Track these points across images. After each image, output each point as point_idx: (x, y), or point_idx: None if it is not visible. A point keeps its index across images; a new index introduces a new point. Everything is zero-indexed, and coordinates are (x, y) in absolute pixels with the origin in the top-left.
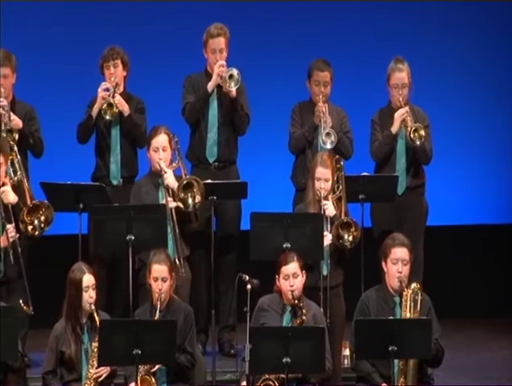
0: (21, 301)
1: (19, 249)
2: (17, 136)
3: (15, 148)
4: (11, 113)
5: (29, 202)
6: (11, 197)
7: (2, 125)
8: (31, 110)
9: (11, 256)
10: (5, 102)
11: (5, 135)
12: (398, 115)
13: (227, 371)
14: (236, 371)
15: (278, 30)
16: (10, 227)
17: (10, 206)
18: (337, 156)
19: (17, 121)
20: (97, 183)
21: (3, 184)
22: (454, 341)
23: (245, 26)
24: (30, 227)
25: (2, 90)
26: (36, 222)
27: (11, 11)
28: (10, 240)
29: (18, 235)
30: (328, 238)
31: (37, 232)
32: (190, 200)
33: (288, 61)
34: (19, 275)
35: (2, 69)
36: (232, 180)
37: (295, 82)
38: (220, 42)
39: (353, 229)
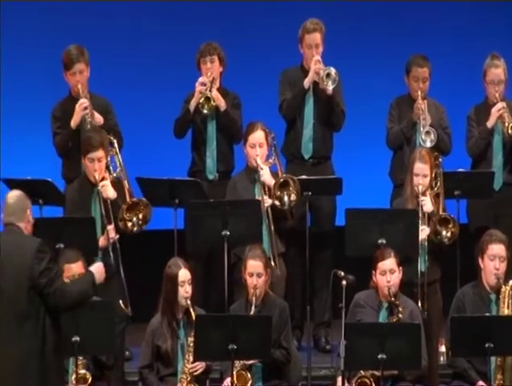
0: (120, 302)
1: (118, 249)
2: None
3: (115, 144)
4: (94, 112)
5: (128, 198)
6: (110, 192)
7: (87, 125)
8: (107, 104)
9: (111, 255)
10: (87, 102)
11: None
12: (495, 110)
13: (322, 366)
14: (331, 367)
15: (375, 23)
16: (111, 228)
17: (109, 202)
18: (436, 152)
19: (99, 118)
20: (193, 179)
21: (103, 179)
22: None
23: (341, 20)
24: (129, 224)
25: (80, 86)
26: (135, 219)
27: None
28: (110, 241)
29: (117, 236)
30: (424, 232)
31: (135, 229)
32: (286, 198)
33: (385, 55)
34: (118, 273)
35: (77, 65)
36: (327, 176)
37: (392, 76)
38: (316, 37)
39: (451, 225)
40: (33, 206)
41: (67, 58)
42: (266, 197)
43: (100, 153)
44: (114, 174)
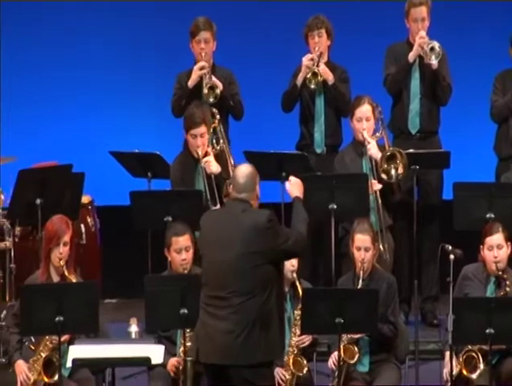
0: None
1: None
2: (218, 92)
3: (218, 116)
4: (212, 75)
5: (231, 172)
6: (214, 167)
7: (204, 83)
8: (231, 74)
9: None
10: (205, 63)
11: (206, 91)
12: None
13: (430, 341)
14: (439, 342)
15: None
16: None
17: (212, 177)
18: None
19: (217, 82)
20: (300, 152)
21: (206, 154)
22: None
23: None
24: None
25: (203, 54)
26: None
27: None
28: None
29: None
30: None
31: None
32: (393, 171)
33: (491, 30)
34: None
35: (202, 33)
36: (434, 150)
37: (496, 49)
38: (422, 11)
39: None
40: (141, 179)
41: (194, 26)
42: (375, 181)
43: (202, 129)
44: (218, 148)
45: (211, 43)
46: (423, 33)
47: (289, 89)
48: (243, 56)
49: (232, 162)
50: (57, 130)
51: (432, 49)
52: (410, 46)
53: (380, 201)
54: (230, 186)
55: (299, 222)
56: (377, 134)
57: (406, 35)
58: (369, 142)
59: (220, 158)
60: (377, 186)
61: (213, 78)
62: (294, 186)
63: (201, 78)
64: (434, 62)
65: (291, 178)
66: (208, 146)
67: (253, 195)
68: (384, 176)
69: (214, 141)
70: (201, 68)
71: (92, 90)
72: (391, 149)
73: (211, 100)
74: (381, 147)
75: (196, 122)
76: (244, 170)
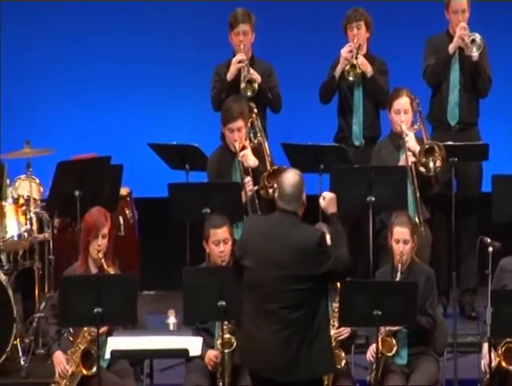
0: None
1: (257, 202)
2: (256, 86)
3: (255, 110)
4: (250, 68)
5: (269, 166)
6: (251, 160)
7: (242, 77)
8: (270, 67)
9: (249, 210)
10: (244, 56)
11: (244, 85)
12: None
13: (468, 333)
14: (477, 334)
15: None
16: (248, 180)
17: (250, 170)
18: None
19: (256, 75)
20: (338, 144)
21: (243, 148)
22: None
23: None
24: (270, 191)
25: (242, 46)
26: (276, 185)
27: None
28: (249, 193)
29: (256, 187)
30: None
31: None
32: (431, 164)
33: None
34: None
35: (241, 26)
36: (473, 142)
37: None
38: (463, 2)
39: None
40: (179, 171)
41: (233, 18)
42: (410, 154)
43: (239, 123)
44: (255, 141)
45: (249, 34)
46: (463, 24)
47: (327, 81)
48: (281, 48)
49: (269, 155)
50: (96, 122)
51: (473, 41)
52: (450, 37)
53: (418, 193)
54: (276, 191)
55: (342, 245)
56: (415, 126)
57: (445, 27)
58: (407, 135)
59: (257, 151)
60: (412, 158)
61: (252, 71)
62: (329, 202)
63: (239, 71)
64: (475, 54)
65: (325, 193)
66: (245, 140)
67: (300, 205)
68: (422, 169)
69: (252, 134)
70: (239, 61)
71: (131, 83)
72: (429, 142)
73: (248, 93)
74: (419, 140)
75: (233, 116)
76: (291, 179)
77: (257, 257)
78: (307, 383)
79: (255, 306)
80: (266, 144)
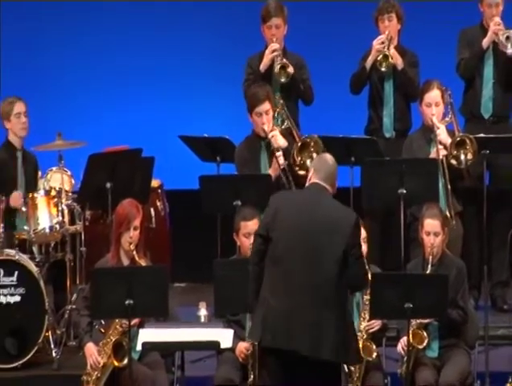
0: None
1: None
2: (291, 71)
3: (281, 101)
4: (284, 59)
5: (297, 139)
6: (281, 141)
7: (275, 63)
8: (302, 59)
9: (285, 181)
10: (277, 45)
11: (278, 71)
12: None
13: (500, 326)
14: (509, 327)
15: None
16: (279, 154)
17: (280, 150)
18: None
19: (289, 68)
20: (370, 137)
21: (272, 130)
22: None
23: None
24: (297, 168)
25: (274, 40)
26: (308, 161)
27: None
28: (281, 167)
29: (286, 162)
30: None
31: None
32: (462, 157)
33: None
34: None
35: (274, 19)
36: (506, 134)
37: None
38: None
39: None
40: (210, 163)
41: (265, 11)
42: (441, 147)
43: (266, 105)
44: (283, 127)
45: (282, 27)
46: (497, 19)
47: (358, 71)
48: (312, 41)
49: (298, 134)
50: (128, 115)
51: (508, 38)
52: (484, 30)
53: (449, 186)
54: (311, 168)
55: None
56: (447, 119)
57: (479, 19)
58: (438, 128)
59: (286, 135)
60: (443, 151)
61: (285, 60)
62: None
63: (273, 62)
64: (509, 51)
65: None
66: (273, 124)
67: (333, 186)
68: (453, 162)
69: (279, 122)
70: (273, 51)
71: (163, 75)
72: (461, 134)
73: (282, 79)
74: (450, 132)
75: (260, 99)
76: (331, 158)
77: (287, 228)
78: (328, 366)
79: (282, 279)
80: (296, 128)
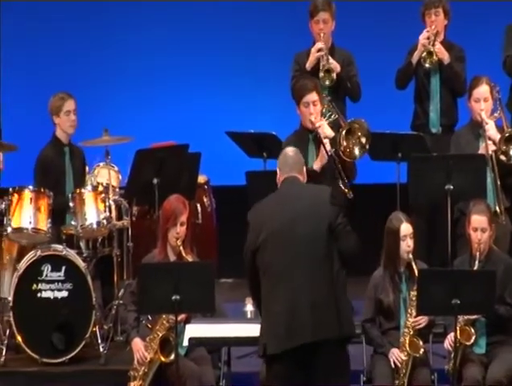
0: (340, 184)
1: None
2: (335, 76)
3: (328, 97)
4: (329, 57)
5: (343, 124)
6: (328, 131)
7: (321, 66)
8: (350, 56)
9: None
10: (323, 45)
11: (323, 74)
12: None
13: None
14: None
15: None
16: (326, 142)
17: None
18: None
19: (335, 64)
20: (416, 133)
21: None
22: None
23: None
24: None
25: (322, 35)
26: (356, 149)
27: None
28: (329, 153)
29: (334, 149)
30: None
31: (357, 153)
32: (511, 152)
33: None
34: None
35: (321, 14)
36: None
37: None
38: None
39: None
40: (257, 159)
41: (313, 6)
42: (490, 142)
43: (314, 95)
44: (330, 119)
45: (330, 23)
46: None
47: (404, 66)
48: (360, 36)
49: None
50: (174, 110)
51: None
52: None
53: (498, 182)
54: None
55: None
56: (496, 114)
57: None
58: (487, 123)
59: (333, 128)
60: (492, 146)
61: (331, 60)
62: None
63: (319, 60)
64: None
65: None
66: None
67: (302, 173)
68: (503, 157)
69: (327, 116)
70: (319, 50)
71: (210, 71)
72: (510, 130)
73: (327, 83)
74: (499, 128)
75: (308, 89)
76: (290, 149)
77: (274, 223)
78: (335, 344)
79: (277, 282)
80: (343, 119)
